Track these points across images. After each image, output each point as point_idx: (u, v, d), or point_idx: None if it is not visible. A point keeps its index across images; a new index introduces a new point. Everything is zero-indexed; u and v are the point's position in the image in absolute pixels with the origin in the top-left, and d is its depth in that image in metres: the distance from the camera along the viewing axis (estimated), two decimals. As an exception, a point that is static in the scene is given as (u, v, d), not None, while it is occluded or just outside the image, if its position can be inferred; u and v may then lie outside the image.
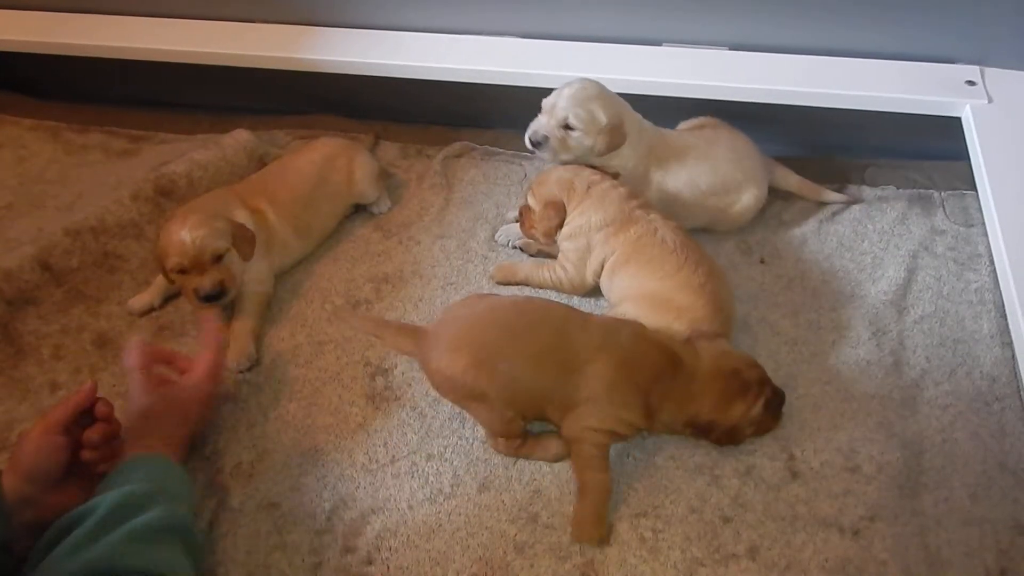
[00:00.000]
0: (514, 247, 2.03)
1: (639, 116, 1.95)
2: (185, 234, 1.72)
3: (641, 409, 1.52)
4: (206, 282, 1.75)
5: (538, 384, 1.52)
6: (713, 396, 1.52)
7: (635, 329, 1.58)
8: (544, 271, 1.90)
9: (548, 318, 1.57)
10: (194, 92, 2.54)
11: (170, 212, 1.98)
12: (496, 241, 2.05)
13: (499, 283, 1.95)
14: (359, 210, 2.16)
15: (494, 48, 2.25)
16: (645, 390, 1.52)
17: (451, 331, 1.56)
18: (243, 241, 1.82)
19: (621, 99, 1.93)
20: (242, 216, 1.88)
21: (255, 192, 1.97)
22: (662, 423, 1.55)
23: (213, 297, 1.76)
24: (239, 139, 2.23)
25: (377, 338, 1.73)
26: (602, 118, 1.86)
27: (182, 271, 1.76)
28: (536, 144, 1.90)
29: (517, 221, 1.97)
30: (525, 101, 1.91)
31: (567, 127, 1.87)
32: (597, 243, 1.81)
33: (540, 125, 1.89)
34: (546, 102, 1.90)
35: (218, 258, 1.76)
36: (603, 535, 1.48)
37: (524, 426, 1.58)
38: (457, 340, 1.54)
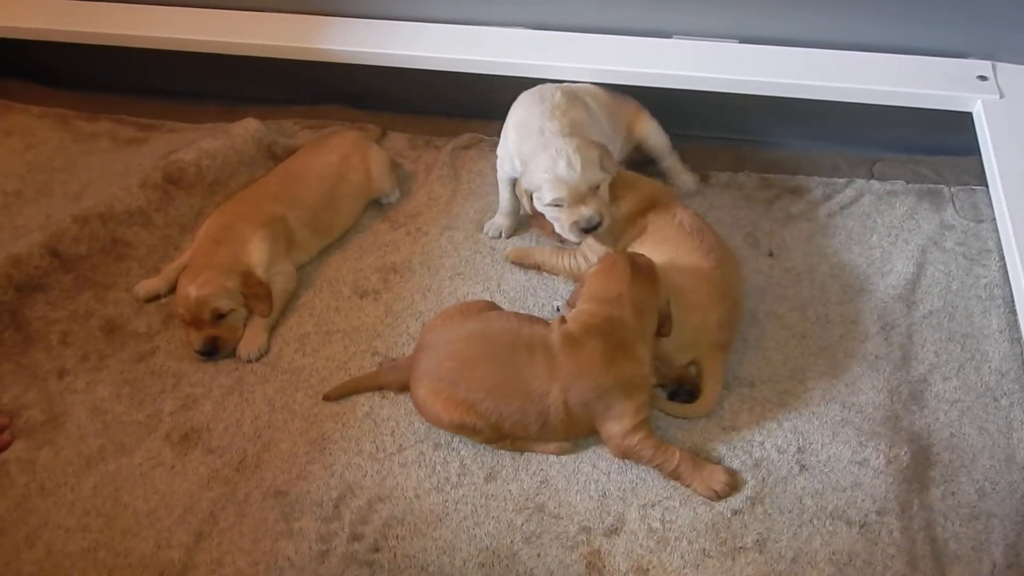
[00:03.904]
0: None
1: (581, 98, 1.91)
2: (192, 290, 1.77)
3: (635, 367, 1.55)
4: (198, 339, 1.78)
5: (502, 410, 1.54)
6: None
7: (564, 333, 1.56)
8: (563, 258, 1.90)
9: (497, 351, 1.58)
10: (203, 81, 2.53)
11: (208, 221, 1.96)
12: (487, 235, 2.05)
13: (513, 263, 1.97)
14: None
15: (504, 39, 2.25)
16: (618, 357, 1.53)
17: (418, 362, 1.63)
18: (257, 299, 1.83)
19: (579, 105, 1.86)
20: (259, 241, 1.87)
21: (274, 197, 1.97)
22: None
23: (205, 353, 1.79)
24: (248, 128, 2.23)
25: (380, 388, 1.73)
26: (598, 156, 1.76)
27: (185, 321, 1.80)
28: (594, 227, 1.75)
29: (531, 216, 1.96)
30: (534, 93, 1.90)
31: (597, 187, 1.76)
32: (622, 231, 1.83)
33: (583, 215, 1.72)
34: (561, 193, 1.71)
35: (220, 316, 1.79)
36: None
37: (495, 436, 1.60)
38: (419, 370, 1.62)
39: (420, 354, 1.64)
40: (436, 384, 1.58)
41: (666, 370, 1.68)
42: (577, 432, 1.59)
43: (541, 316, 1.83)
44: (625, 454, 1.55)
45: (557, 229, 1.80)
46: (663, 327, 1.62)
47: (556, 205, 1.75)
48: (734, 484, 1.54)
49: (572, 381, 1.52)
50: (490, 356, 1.57)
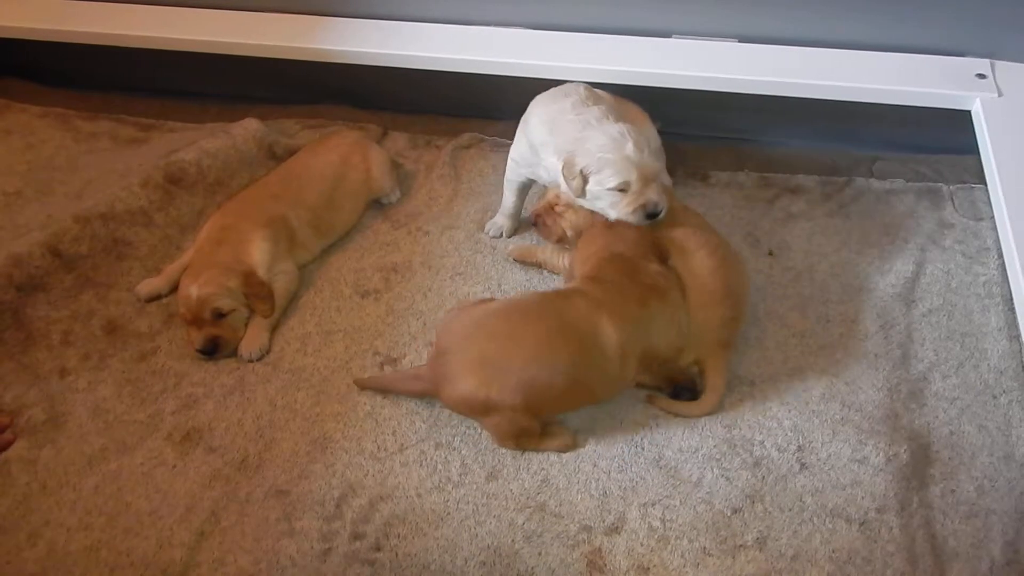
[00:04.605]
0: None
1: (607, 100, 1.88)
2: (194, 289, 1.78)
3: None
4: (198, 338, 1.79)
5: (557, 372, 1.53)
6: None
7: (583, 279, 1.67)
8: (565, 258, 1.89)
9: (533, 312, 1.59)
10: (203, 81, 2.54)
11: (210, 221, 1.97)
12: (488, 234, 2.05)
13: (515, 260, 1.97)
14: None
15: (503, 39, 2.25)
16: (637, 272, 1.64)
17: (451, 359, 1.58)
18: (259, 299, 1.84)
19: (603, 100, 1.84)
20: (261, 241, 1.88)
21: (275, 197, 1.97)
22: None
23: (206, 352, 1.79)
24: (248, 128, 2.24)
25: (392, 392, 1.72)
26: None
27: (186, 321, 1.81)
28: (658, 214, 1.72)
29: (534, 224, 1.93)
30: (533, 92, 1.90)
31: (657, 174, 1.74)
32: None
33: (651, 199, 1.70)
34: (630, 175, 1.68)
35: (221, 315, 1.79)
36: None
37: (539, 428, 1.60)
38: (459, 365, 1.56)
39: (444, 358, 1.59)
40: (484, 373, 1.53)
41: (667, 370, 1.68)
42: (628, 369, 1.60)
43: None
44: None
45: (614, 215, 1.73)
46: (663, 255, 1.70)
47: (621, 189, 1.69)
48: None
49: (615, 307, 1.58)
50: (528, 319, 1.58)
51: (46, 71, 2.61)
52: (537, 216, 1.90)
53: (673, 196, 1.91)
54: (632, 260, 1.65)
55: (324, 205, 2.01)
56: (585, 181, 1.72)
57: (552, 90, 1.86)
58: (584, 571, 1.44)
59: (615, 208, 1.72)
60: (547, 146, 1.79)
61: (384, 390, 1.72)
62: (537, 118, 1.83)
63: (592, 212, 1.78)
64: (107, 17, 2.43)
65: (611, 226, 1.71)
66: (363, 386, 1.73)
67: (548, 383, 1.53)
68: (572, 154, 1.72)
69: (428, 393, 1.66)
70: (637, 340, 1.58)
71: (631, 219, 1.71)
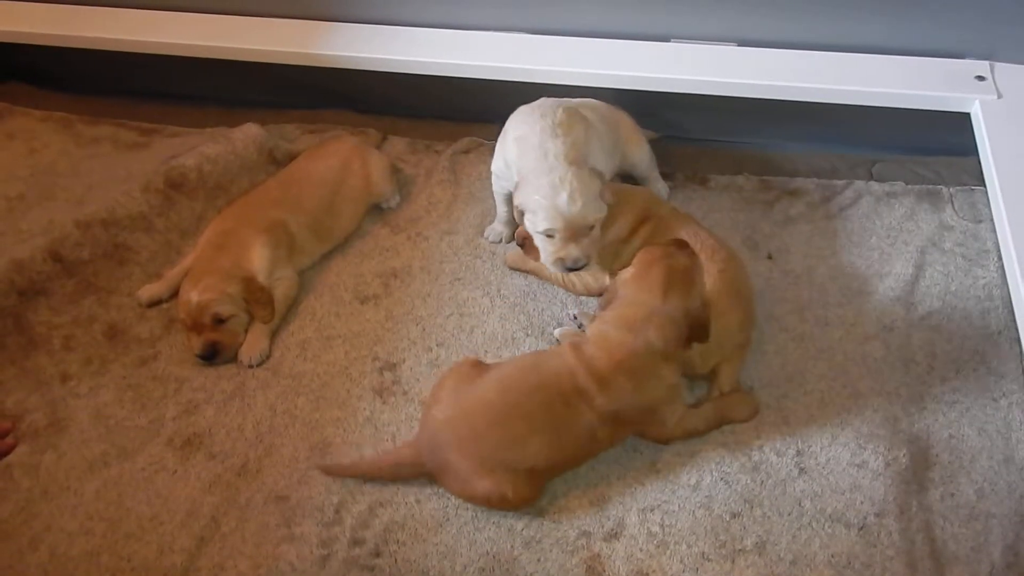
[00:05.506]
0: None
1: (584, 113, 1.83)
2: (194, 295, 1.79)
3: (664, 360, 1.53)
4: (198, 343, 1.80)
5: (570, 461, 1.53)
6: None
7: (591, 368, 1.51)
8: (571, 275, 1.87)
9: (544, 407, 1.49)
10: (204, 85, 2.54)
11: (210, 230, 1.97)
12: (487, 239, 2.05)
13: (511, 267, 1.96)
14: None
15: (502, 44, 2.25)
16: (647, 386, 1.53)
17: (456, 457, 1.50)
18: (259, 305, 1.84)
19: (580, 123, 1.78)
20: (261, 247, 1.88)
21: (275, 202, 1.98)
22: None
23: (206, 357, 1.80)
24: (249, 133, 2.24)
25: (376, 478, 1.59)
26: (599, 190, 1.71)
27: (186, 326, 1.82)
28: (578, 268, 1.72)
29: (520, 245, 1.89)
30: (533, 97, 1.90)
31: (592, 227, 1.69)
32: (617, 251, 1.81)
33: (570, 254, 1.68)
34: (556, 224, 1.65)
35: (221, 321, 1.80)
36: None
37: None
38: (469, 466, 1.49)
39: (444, 451, 1.51)
40: (497, 475, 1.48)
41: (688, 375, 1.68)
42: (620, 441, 1.60)
43: (541, 321, 1.85)
44: (676, 441, 1.61)
45: (542, 256, 1.73)
46: (698, 333, 1.55)
47: (547, 235, 1.69)
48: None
49: (610, 414, 1.50)
50: (540, 412, 1.49)
51: (48, 75, 2.62)
52: (524, 238, 1.83)
53: (661, 202, 1.90)
54: (664, 361, 1.52)
55: (324, 210, 2.01)
56: (522, 215, 1.72)
57: (532, 106, 1.82)
58: (583, 576, 1.45)
59: (544, 250, 1.72)
60: (514, 164, 1.78)
61: (363, 476, 1.59)
62: (513, 133, 1.80)
63: None
64: (108, 22, 2.43)
65: (667, 293, 1.52)
66: (334, 472, 1.61)
67: (562, 468, 1.54)
68: (518, 185, 1.73)
69: (420, 477, 1.58)
70: (627, 430, 1.59)
71: (552, 268, 1.74)
